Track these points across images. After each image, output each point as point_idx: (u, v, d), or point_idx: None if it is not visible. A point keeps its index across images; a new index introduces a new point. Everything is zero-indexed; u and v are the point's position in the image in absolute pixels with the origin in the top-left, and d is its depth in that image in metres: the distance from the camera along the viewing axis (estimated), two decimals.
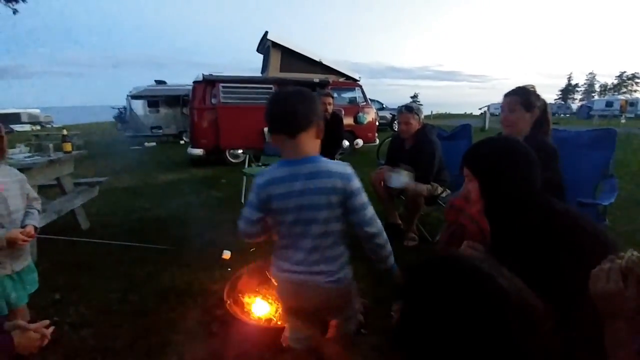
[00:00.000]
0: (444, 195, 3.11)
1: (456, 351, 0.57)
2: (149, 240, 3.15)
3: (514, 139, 1.34)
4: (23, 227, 1.62)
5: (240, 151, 7.14)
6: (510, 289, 0.58)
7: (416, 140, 3.08)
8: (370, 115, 8.47)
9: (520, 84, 2.02)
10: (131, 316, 2.10)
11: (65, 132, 3.56)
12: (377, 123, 9.24)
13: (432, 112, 29.87)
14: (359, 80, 8.40)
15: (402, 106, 3.13)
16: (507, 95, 2.03)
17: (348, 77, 8.33)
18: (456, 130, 3.45)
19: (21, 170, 1.79)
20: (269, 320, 1.85)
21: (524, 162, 1.18)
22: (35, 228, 1.67)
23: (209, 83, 6.76)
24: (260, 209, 1.22)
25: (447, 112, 40.18)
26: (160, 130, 12.21)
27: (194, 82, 6.83)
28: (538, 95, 1.98)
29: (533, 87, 2.00)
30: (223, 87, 6.78)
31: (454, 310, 0.58)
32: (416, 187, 2.90)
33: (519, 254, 1.17)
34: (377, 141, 8.56)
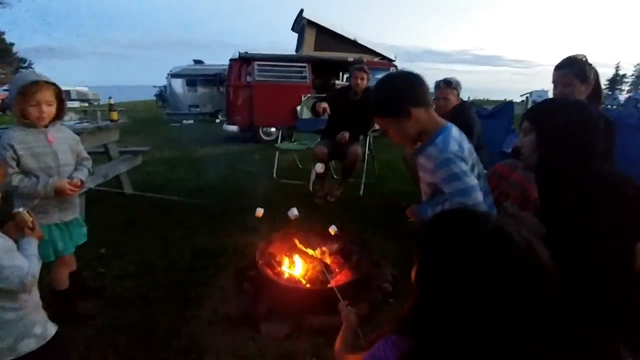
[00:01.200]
0: None
1: (464, 292, 0.60)
2: (189, 208, 3.30)
3: (584, 102, 1.31)
4: (71, 179, 1.69)
5: (273, 129, 7.23)
6: (520, 240, 0.60)
7: (453, 117, 2.94)
8: None
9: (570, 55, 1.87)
10: (169, 271, 2.23)
11: (111, 100, 3.75)
12: None
13: (469, 98, 28.29)
14: (394, 61, 8.13)
15: (440, 80, 3.00)
16: (559, 68, 1.88)
17: (383, 57, 8.08)
18: (497, 109, 3.26)
19: None
20: (299, 281, 1.89)
21: (591, 124, 1.14)
22: (82, 182, 1.74)
23: (244, 61, 6.84)
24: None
25: (486, 99, 38.09)
26: (198, 109, 12.60)
27: (231, 60, 6.93)
28: (591, 65, 1.83)
29: (584, 56, 1.85)
30: (258, 65, 6.83)
31: (463, 255, 0.61)
32: None
33: (567, 214, 1.10)
34: None
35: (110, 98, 3.84)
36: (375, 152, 4.33)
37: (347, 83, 3.74)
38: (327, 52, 7.43)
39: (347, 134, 3.37)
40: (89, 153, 2.53)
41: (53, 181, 1.61)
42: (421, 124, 1.39)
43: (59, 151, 1.68)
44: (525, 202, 1.85)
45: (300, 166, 4.89)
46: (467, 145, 1.38)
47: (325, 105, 3.41)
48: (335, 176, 4.28)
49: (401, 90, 1.39)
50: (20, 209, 1.20)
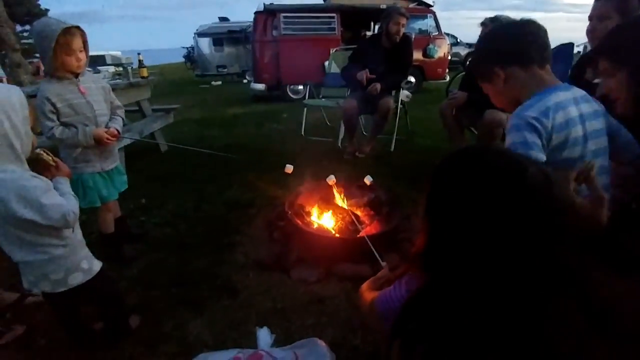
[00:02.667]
0: None
1: (475, 226, 0.57)
2: (219, 162, 3.38)
3: None
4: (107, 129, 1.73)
5: (300, 86, 7.06)
6: (536, 173, 0.56)
7: None
8: (442, 49, 7.63)
9: None
10: (204, 221, 2.33)
11: (141, 57, 3.78)
12: (449, 58, 8.34)
13: None
14: (432, 7, 7.48)
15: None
16: None
17: (420, 3, 7.45)
18: (553, 52, 2.87)
19: None
20: (328, 231, 1.90)
21: None
22: (118, 131, 1.78)
23: (270, 13, 6.58)
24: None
25: None
26: (225, 69, 12.52)
27: (255, 13, 6.69)
28: None
29: None
30: (284, 17, 6.54)
31: (473, 186, 0.58)
32: (494, 115, 2.58)
33: None
34: (447, 78, 7.81)
35: (139, 54, 3.86)
36: (407, 107, 4.13)
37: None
38: (357, 0, 6.95)
39: (378, 86, 3.20)
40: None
41: (91, 130, 1.66)
42: (519, 85, 1.12)
43: (94, 101, 1.70)
44: None
45: (328, 123, 4.79)
46: (569, 114, 1.05)
47: (366, 73, 3.20)
48: (364, 133, 4.16)
49: (493, 47, 1.17)
50: (37, 150, 1.21)
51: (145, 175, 3.15)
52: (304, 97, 5.30)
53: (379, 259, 1.30)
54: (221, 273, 1.79)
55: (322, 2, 7.78)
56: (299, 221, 1.92)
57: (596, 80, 1.72)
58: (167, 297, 1.64)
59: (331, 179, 1.98)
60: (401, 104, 3.75)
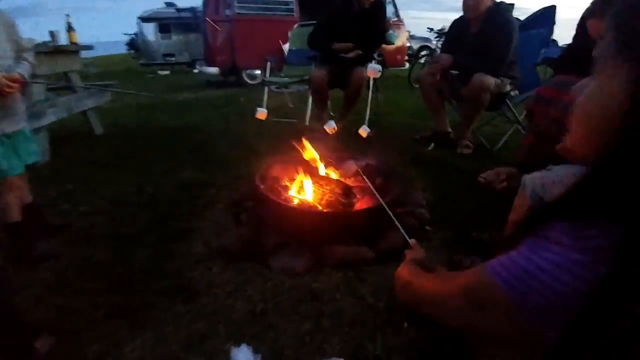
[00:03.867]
0: (512, 94, 2.57)
1: None
2: (169, 145, 2.84)
3: None
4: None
5: (258, 71, 6.54)
6: None
7: (486, 22, 2.45)
8: (402, 36, 7.52)
9: None
10: (148, 206, 1.82)
11: (69, 19, 3.09)
12: (408, 45, 8.30)
13: None
14: None
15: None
16: None
17: None
18: (534, 16, 2.73)
19: None
20: (314, 206, 1.50)
21: None
22: (24, 78, 1.35)
23: None
24: None
25: None
26: (173, 58, 11.52)
27: None
28: None
29: None
30: None
31: None
32: (483, 79, 2.36)
33: None
34: (407, 65, 7.75)
35: (67, 16, 3.16)
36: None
37: None
38: None
39: (351, 47, 2.86)
40: (49, 89, 2.03)
41: None
42: None
43: None
44: None
45: (291, 106, 4.38)
46: None
47: (348, 45, 2.86)
48: (332, 114, 3.81)
49: None
50: None
51: (77, 159, 2.54)
52: (262, 82, 4.84)
53: (406, 236, 0.94)
54: (171, 269, 1.33)
55: None
56: (274, 197, 1.52)
57: None
58: (93, 308, 1.15)
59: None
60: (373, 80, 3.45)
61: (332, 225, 1.38)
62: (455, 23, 2.69)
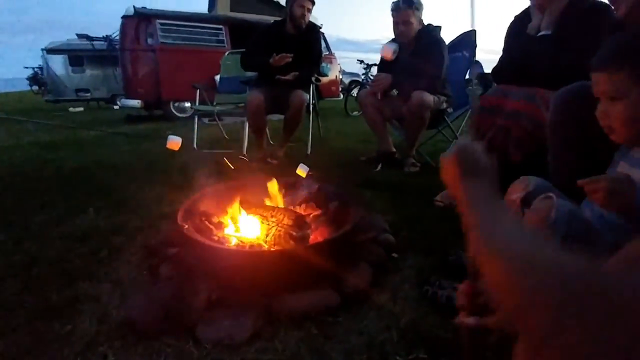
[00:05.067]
0: (448, 110, 2.59)
1: None
2: (69, 186, 2.27)
3: None
4: None
5: (187, 104, 6.08)
6: None
7: (419, 43, 2.48)
8: (334, 68, 7.76)
9: None
10: (23, 268, 1.29)
11: None
12: (340, 78, 8.61)
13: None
14: (320, 28, 7.59)
15: (399, 1, 2.49)
16: None
17: None
18: (457, 40, 2.87)
19: None
20: (258, 245, 1.16)
21: None
22: None
23: (142, 19, 5.55)
24: None
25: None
26: (89, 94, 10.42)
27: (123, 18, 5.56)
28: None
29: None
30: (161, 23, 5.61)
31: None
32: (423, 96, 2.31)
33: None
34: (341, 96, 7.99)
35: None
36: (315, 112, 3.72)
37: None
38: (245, 14, 6.52)
39: (289, 58, 2.67)
40: None
41: None
42: None
43: None
44: (537, 130, 1.44)
45: (227, 137, 4.02)
46: None
47: (286, 56, 2.64)
48: (271, 142, 3.54)
49: None
50: None
51: None
52: (192, 116, 4.43)
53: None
54: None
55: (206, 12, 7.12)
56: (203, 238, 1.15)
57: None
58: None
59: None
60: (313, 99, 3.30)
61: (284, 268, 1.05)
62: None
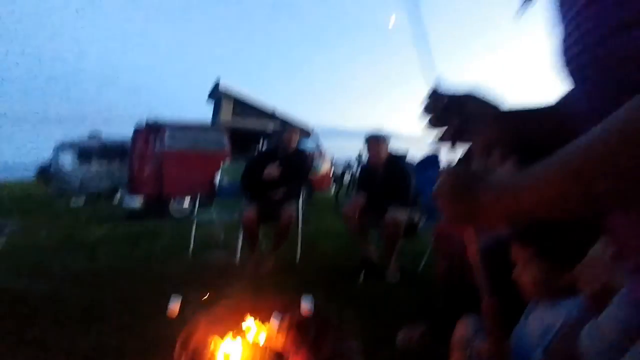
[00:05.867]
0: (421, 223, 2.94)
1: None
2: (65, 301, 2.43)
3: None
4: None
5: (186, 204, 6.46)
6: None
7: (388, 166, 2.97)
8: (325, 164, 8.50)
9: None
10: None
11: None
12: (332, 172, 9.30)
13: None
14: (312, 132, 8.52)
15: (369, 135, 3.05)
16: None
17: (301, 129, 8.44)
18: (422, 159, 3.39)
19: None
20: None
21: None
22: None
23: (152, 130, 6.27)
24: None
25: None
26: (92, 187, 10.91)
27: (135, 131, 6.27)
28: None
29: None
30: (170, 132, 6.32)
31: None
32: (396, 214, 2.68)
33: None
34: (332, 190, 8.55)
35: None
36: (306, 216, 4.06)
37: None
38: (246, 122, 7.41)
39: (275, 172, 3.11)
40: None
41: None
42: None
43: None
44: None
45: (222, 241, 4.27)
46: None
47: (273, 170, 3.12)
48: (263, 248, 3.79)
49: None
50: None
51: None
52: (190, 214, 4.75)
53: None
54: None
55: (209, 119, 8.05)
56: None
57: None
58: None
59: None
60: (301, 214, 3.66)
61: None
62: (364, 168, 3.23)
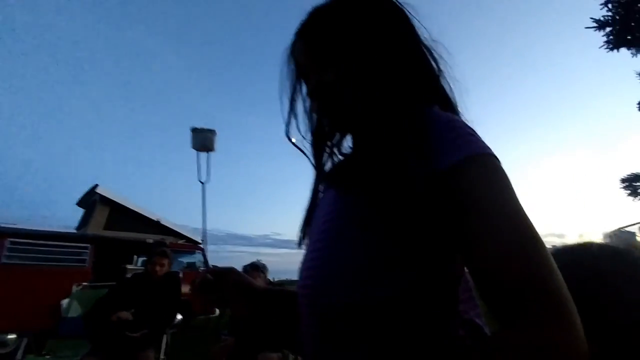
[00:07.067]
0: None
1: None
2: None
3: None
4: None
5: (11, 336, 4.88)
6: None
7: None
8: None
9: None
10: None
11: None
12: None
13: (274, 278, 30.27)
14: (200, 244, 7.99)
15: (247, 265, 3.00)
16: None
17: (189, 240, 7.85)
18: None
19: None
20: None
21: None
22: None
23: None
24: None
25: (288, 279, 41.68)
26: None
27: None
28: None
29: None
30: (12, 242, 5.11)
31: None
32: (269, 357, 2.46)
33: None
34: (217, 312, 7.67)
35: None
36: (177, 347, 3.44)
37: (143, 268, 3.15)
38: (121, 232, 6.55)
39: (126, 315, 2.60)
40: None
41: None
42: None
43: None
44: None
45: None
46: None
47: (125, 314, 2.63)
48: None
49: None
50: None
51: None
52: (15, 351, 3.52)
53: None
54: None
55: (74, 231, 6.88)
56: None
57: None
58: None
59: None
60: (164, 354, 3.08)
61: None
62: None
